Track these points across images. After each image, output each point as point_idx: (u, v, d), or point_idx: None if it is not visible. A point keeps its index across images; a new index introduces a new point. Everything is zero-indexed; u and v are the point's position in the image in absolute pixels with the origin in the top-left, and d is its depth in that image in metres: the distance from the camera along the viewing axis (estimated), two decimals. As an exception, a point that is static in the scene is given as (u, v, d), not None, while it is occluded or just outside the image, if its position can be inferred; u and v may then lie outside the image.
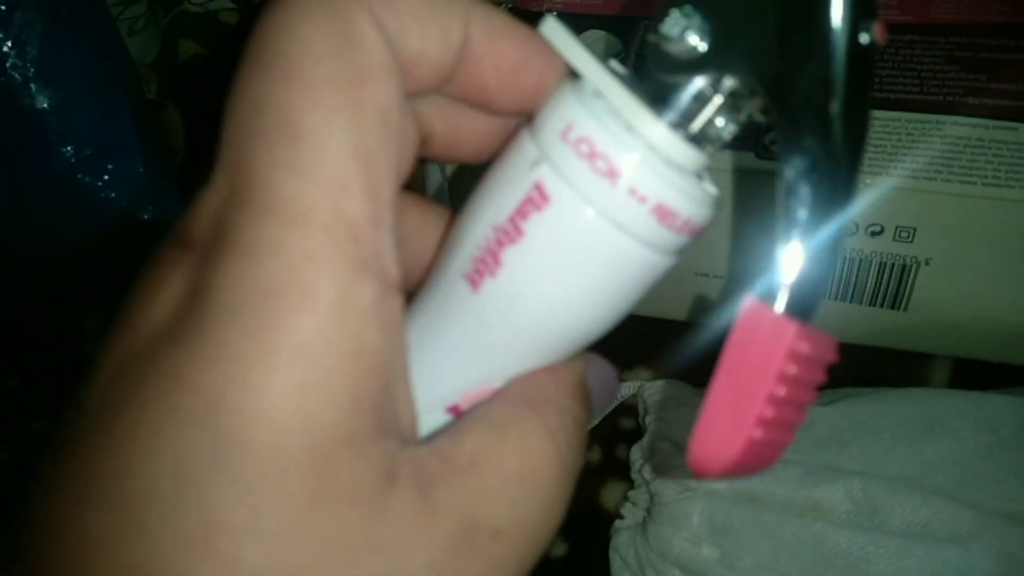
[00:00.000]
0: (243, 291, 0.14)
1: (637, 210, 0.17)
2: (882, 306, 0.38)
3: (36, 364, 0.47)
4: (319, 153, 0.15)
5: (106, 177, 0.46)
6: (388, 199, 0.16)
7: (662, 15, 0.17)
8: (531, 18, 0.42)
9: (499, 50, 0.18)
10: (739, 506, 0.32)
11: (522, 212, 0.18)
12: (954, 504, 0.30)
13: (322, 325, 0.14)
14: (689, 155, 0.18)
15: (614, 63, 0.18)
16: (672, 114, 0.18)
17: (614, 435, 0.40)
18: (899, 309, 0.37)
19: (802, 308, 0.17)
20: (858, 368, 0.40)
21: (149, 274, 0.16)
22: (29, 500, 0.15)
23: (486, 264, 0.18)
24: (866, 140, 0.17)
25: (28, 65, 0.43)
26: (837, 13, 0.16)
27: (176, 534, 0.14)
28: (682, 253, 0.19)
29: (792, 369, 0.16)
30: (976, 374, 0.38)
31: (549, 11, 0.43)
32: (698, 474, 0.17)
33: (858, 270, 0.37)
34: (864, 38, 0.16)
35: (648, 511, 0.34)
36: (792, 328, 0.16)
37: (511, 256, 0.18)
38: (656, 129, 0.17)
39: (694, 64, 0.17)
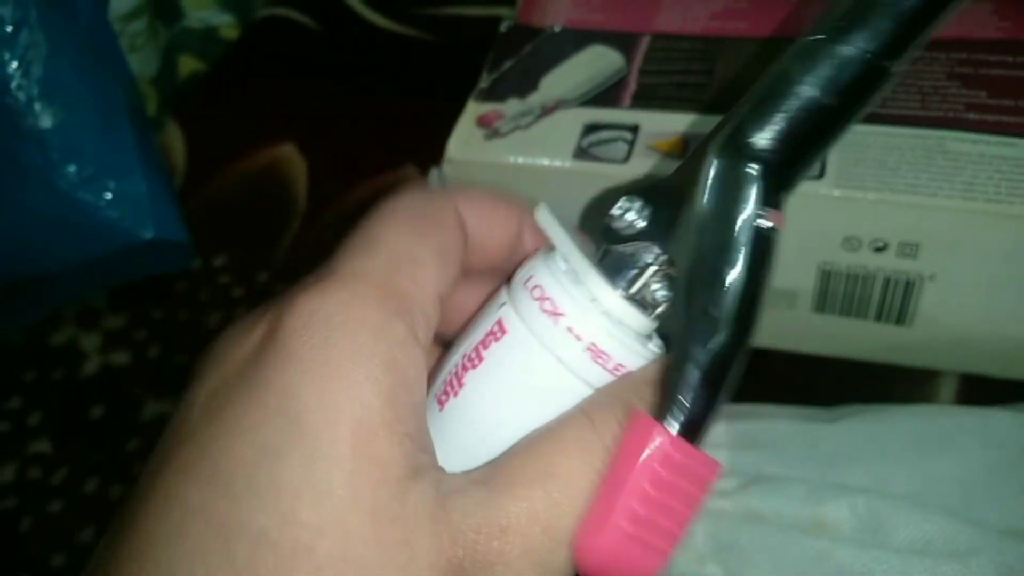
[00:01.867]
0: (307, 317, 0.19)
1: (574, 346, 0.21)
2: (887, 322, 0.38)
3: (36, 384, 0.47)
4: (385, 250, 0.21)
5: (108, 196, 0.46)
6: (430, 287, 0.21)
7: (614, 199, 0.22)
8: (532, 35, 0.42)
9: (524, 242, 0.24)
10: (744, 524, 0.32)
11: (484, 342, 0.22)
12: (957, 520, 0.30)
13: (365, 341, 0.19)
14: (629, 312, 0.21)
15: (589, 251, 0.22)
16: (620, 280, 0.22)
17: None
18: (904, 325, 0.37)
19: (688, 427, 0.19)
20: (864, 384, 0.39)
21: (240, 323, 0.20)
22: (141, 485, 0.19)
23: (452, 386, 0.22)
24: (762, 303, 0.20)
25: (33, 85, 0.43)
26: (744, 207, 0.19)
27: (255, 495, 0.18)
28: None
29: (662, 471, 0.19)
30: (983, 390, 0.38)
31: (551, 28, 0.43)
32: (578, 562, 0.19)
33: (863, 286, 0.37)
34: (765, 224, 0.19)
35: (652, 530, 0.34)
36: (665, 435, 0.19)
37: (471, 378, 0.22)
38: (600, 286, 0.21)
39: (636, 239, 0.22)
